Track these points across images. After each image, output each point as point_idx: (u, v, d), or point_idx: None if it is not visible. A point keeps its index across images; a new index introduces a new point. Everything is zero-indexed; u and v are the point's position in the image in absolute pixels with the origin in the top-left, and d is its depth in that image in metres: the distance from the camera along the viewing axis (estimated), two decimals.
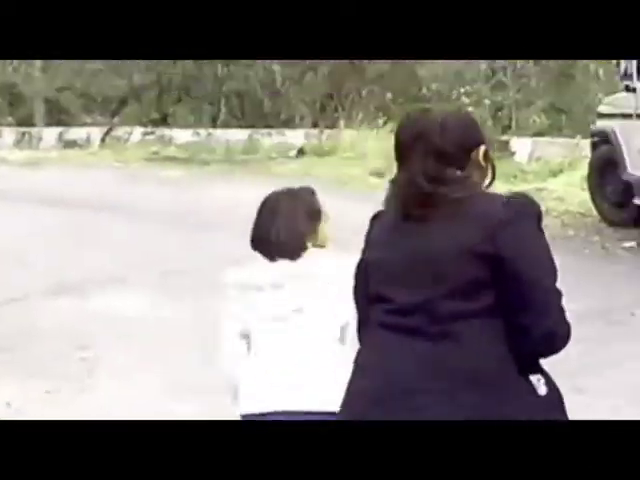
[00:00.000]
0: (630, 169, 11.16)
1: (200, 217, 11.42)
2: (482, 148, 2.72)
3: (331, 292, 3.43)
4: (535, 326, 2.53)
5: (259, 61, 20.93)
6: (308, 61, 20.35)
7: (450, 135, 2.66)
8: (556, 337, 2.57)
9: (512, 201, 2.62)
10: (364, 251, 2.80)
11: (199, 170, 15.90)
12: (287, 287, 3.49)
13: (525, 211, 2.61)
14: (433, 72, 20.04)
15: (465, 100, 18.70)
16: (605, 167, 11.67)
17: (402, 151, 2.70)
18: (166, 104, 21.58)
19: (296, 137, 18.35)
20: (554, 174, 14.35)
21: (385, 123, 17.49)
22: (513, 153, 15.86)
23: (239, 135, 18.66)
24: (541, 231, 2.63)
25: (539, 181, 13.93)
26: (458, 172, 2.64)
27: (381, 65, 20.82)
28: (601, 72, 18.16)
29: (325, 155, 17.01)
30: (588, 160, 12.39)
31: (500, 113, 19.18)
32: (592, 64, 18.64)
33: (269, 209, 3.57)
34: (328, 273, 3.48)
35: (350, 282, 2.84)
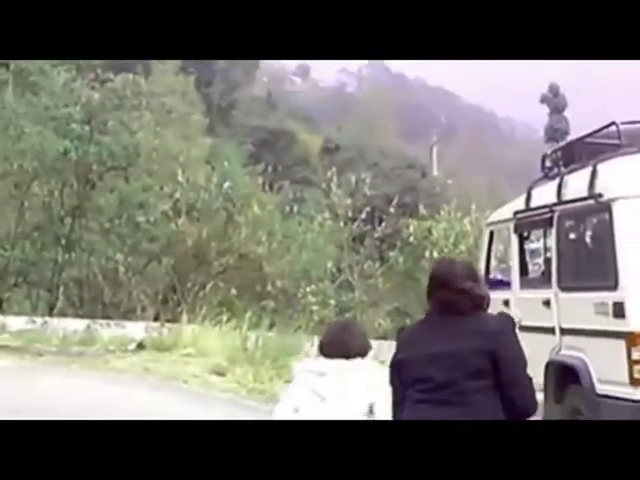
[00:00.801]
0: None
1: (33, 411, 11.41)
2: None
3: (363, 382, 5.06)
4: (518, 398, 4.41)
5: (100, 249, 21.30)
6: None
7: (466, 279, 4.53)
8: (530, 407, 4.47)
9: (499, 318, 4.60)
10: (396, 354, 4.55)
11: (33, 361, 16.00)
12: (335, 375, 5.11)
13: (508, 324, 4.57)
14: (279, 269, 20.71)
15: (311, 299, 19.47)
16: None
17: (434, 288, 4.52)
18: (0, 289, 21.65)
19: (136, 330, 18.70)
20: None
21: (229, 319, 17.82)
22: None
23: (76, 325, 18.95)
24: (516, 336, 4.51)
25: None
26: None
27: (227, 259, 21.43)
28: None
29: (165, 350, 17.31)
30: None
31: (346, 314, 19.91)
32: None
33: (345, 330, 5.27)
34: (365, 371, 5.14)
35: (376, 378, 4.84)
